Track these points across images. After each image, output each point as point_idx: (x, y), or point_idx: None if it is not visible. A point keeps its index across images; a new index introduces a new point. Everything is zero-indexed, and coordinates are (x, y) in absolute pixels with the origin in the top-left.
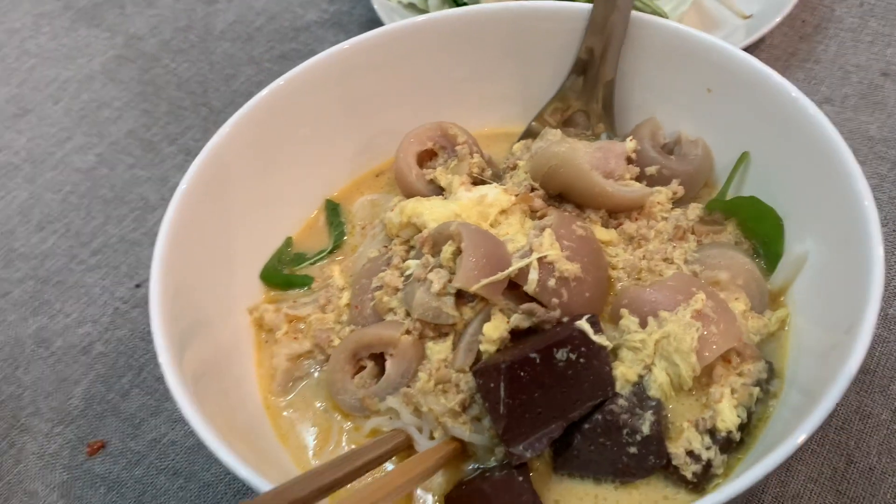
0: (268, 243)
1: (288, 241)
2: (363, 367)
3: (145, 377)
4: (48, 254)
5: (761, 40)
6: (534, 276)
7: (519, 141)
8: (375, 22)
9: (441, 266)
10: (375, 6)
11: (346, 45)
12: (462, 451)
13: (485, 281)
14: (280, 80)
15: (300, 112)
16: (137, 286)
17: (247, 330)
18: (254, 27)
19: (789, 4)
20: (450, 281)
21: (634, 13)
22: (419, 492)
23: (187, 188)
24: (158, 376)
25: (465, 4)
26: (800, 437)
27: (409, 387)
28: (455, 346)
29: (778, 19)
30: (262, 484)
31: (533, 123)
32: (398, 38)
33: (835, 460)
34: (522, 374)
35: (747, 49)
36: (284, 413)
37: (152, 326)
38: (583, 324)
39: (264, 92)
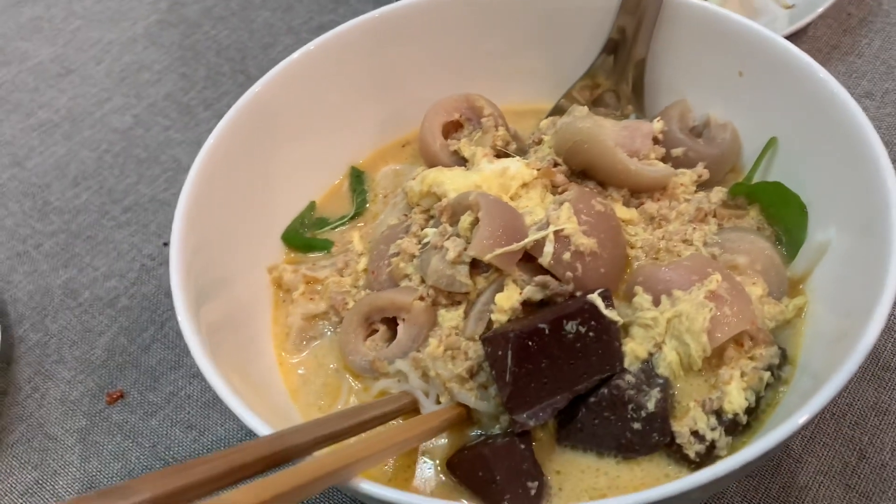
0: (292, 206)
1: (311, 206)
2: (375, 331)
3: (167, 332)
4: (81, 209)
5: (803, 31)
6: (549, 248)
7: (547, 118)
8: None
9: (458, 235)
10: None
11: (376, 13)
12: (467, 417)
13: (499, 251)
14: (310, 45)
15: (329, 78)
16: (165, 244)
17: (266, 289)
18: None
19: None
20: (465, 249)
21: None
22: (423, 457)
23: (214, 144)
24: (179, 332)
25: None
26: (801, 418)
27: (418, 352)
28: (467, 314)
29: (821, 10)
30: (265, 429)
31: (562, 100)
32: (430, 9)
33: (846, 455)
34: (530, 343)
35: (788, 39)
36: (297, 371)
37: (171, 279)
38: (594, 297)
39: (295, 55)
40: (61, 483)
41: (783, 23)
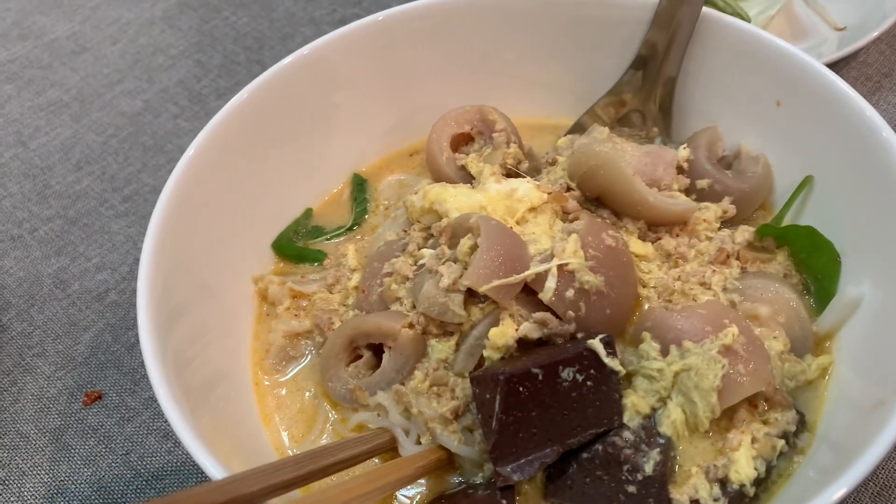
0: (286, 212)
1: (307, 213)
2: (360, 356)
3: None
4: (81, 195)
5: (854, 56)
6: (551, 283)
7: (566, 135)
8: None
9: (456, 260)
10: None
11: (392, 11)
12: (448, 461)
13: (496, 282)
14: (318, 42)
15: (336, 78)
16: None
17: (250, 300)
18: None
19: (889, 20)
20: (461, 277)
21: (706, 10)
22: (400, 498)
23: (202, 143)
24: None
25: None
26: (834, 497)
27: (402, 384)
28: (458, 346)
29: (875, 34)
30: (218, 472)
31: (584, 117)
32: (448, 11)
33: None
34: (521, 388)
35: (836, 63)
36: (273, 392)
37: (138, 290)
38: (595, 343)
39: (303, 51)
40: (28, 486)
41: (832, 46)
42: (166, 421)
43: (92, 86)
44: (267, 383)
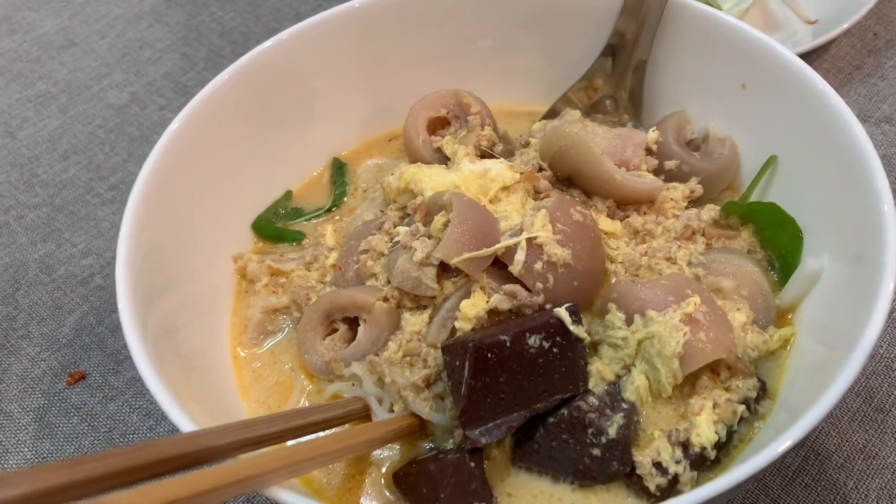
0: (266, 194)
1: (287, 195)
2: (336, 330)
3: None
4: (67, 183)
5: (825, 49)
6: (520, 256)
7: (541, 120)
8: None
9: (430, 236)
10: None
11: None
12: (420, 428)
13: (467, 255)
14: (297, 27)
15: (315, 64)
16: None
17: (230, 278)
18: None
19: (859, 13)
20: (434, 251)
21: None
22: (372, 468)
23: (180, 126)
24: None
25: None
26: (779, 448)
27: (376, 355)
28: (432, 319)
29: (846, 25)
30: (188, 425)
31: (558, 103)
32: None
33: (828, 499)
34: (490, 355)
35: (809, 55)
36: (251, 366)
37: (117, 262)
38: (561, 311)
39: (282, 35)
40: (12, 462)
41: (805, 38)
42: (148, 400)
43: (80, 79)
44: (244, 356)
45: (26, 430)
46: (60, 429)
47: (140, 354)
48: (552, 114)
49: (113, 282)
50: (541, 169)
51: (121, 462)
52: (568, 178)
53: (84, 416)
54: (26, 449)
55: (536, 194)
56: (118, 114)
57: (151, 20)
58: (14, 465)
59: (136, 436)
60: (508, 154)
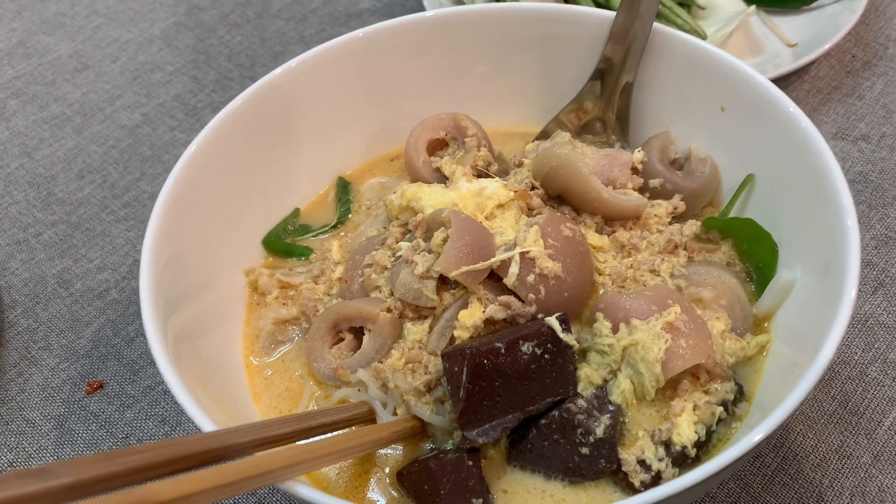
0: (276, 212)
1: (295, 212)
2: (342, 339)
3: None
4: (83, 201)
5: (806, 71)
6: (514, 269)
7: (534, 141)
8: None
9: (430, 251)
10: (425, 2)
11: (370, 28)
12: (422, 430)
13: (465, 268)
14: (305, 55)
15: (321, 89)
16: None
17: (242, 291)
18: (309, 9)
19: (837, 36)
20: (433, 264)
21: (657, 25)
22: (377, 468)
23: (197, 149)
24: None
25: None
26: (753, 440)
27: (380, 362)
28: (432, 328)
29: (824, 48)
30: (208, 425)
31: (550, 125)
32: (425, 27)
33: (805, 496)
34: (486, 361)
35: (790, 78)
36: (263, 373)
37: (141, 273)
38: (552, 321)
39: (291, 63)
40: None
41: (786, 61)
42: (163, 407)
43: (93, 101)
44: (257, 364)
45: (48, 437)
46: (80, 435)
47: (162, 358)
48: (544, 135)
49: (128, 296)
50: (533, 187)
51: (154, 456)
52: (559, 195)
53: (102, 423)
54: (48, 454)
55: (529, 211)
56: (130, 134)
57: (161, 44)
58: None
59: (152, 441)
60: (503, 173)
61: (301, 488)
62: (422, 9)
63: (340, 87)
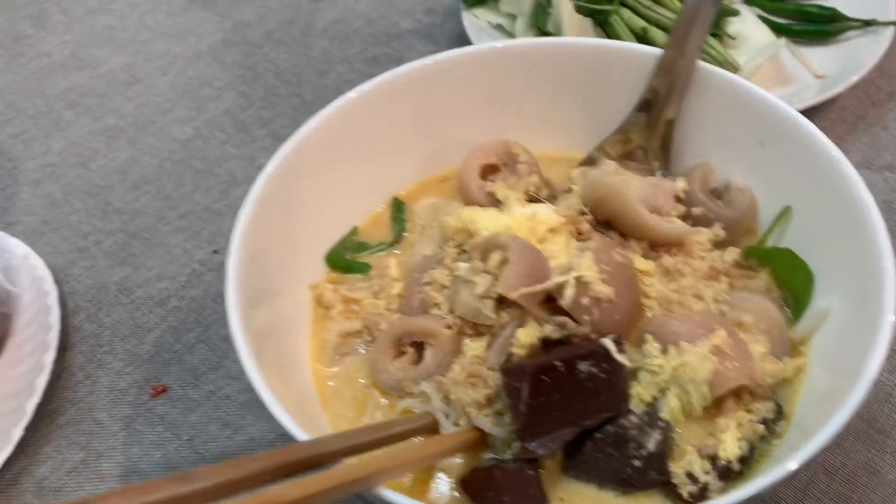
0: (336, 229)
1: (354, 230)
2: (404, 353)
3: (210, 335)
4: (139, 212)
5: (832, 101)
6: (570, 292)
7: (579, 167)
8: (463, 37)
9: (488, 272)
10: (465, 24)
11: (429, 60)
12: (482, 440)
13: (524, 290)
14: (367, 85)
15: (380, 115)
16: (215, 252)
17: (307, 304)
18: (351, 28)
19: (864, 69)
20: (492, 286)
21: (701, 62)
22: (439, 474)
23: (273, 170)
24: (222, 336)
25: (548, 33)
26: (791, 466)
27: (442, 376)
28: (489, 345)
29: (850, 81)
30: (302, 434)
31: (594, 152)
32: (479, 60)
33: None
34: (546, 378)
35: (817, 108)
36: (329, 382)
37: (227, 284)
38: (607, 342)
39: (352, 94)
40: (105, 465)
41: (813, 92)
42: (224, 411)
43: (145, 113)
44: (328, 373)
45: (116, 437)
46: (147, 436)
47: (252, 367)
48: (589, 161)
49: (187, 304)
50: (582, 213)
51: (272, 462)
52: (606, 221)
53: (168, 426)
54: (117, 453)
55: (579, 236)
56: (183, 147)
57: (210, 59)
58: (107, 469)
59: (215, 443)
60: (552, 198)
61: (390, 494)
62: (461, 29)
63: (397, 114)
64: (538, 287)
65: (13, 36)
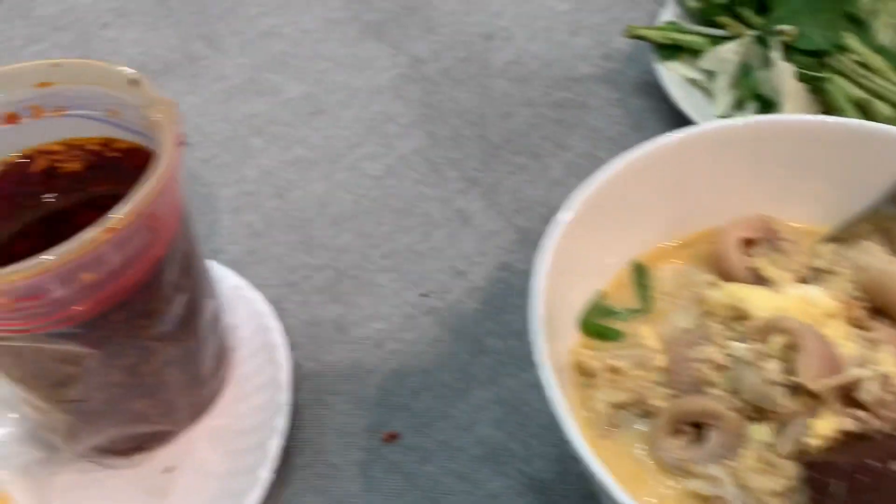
0: (583, 292)
1: (601, 294)
2: (680, 431)
3: (432, 382)
4: (344, 249)
5: None
6: (874, 387)
7: (823, 242)
8: (648, 85)
9: (772, 356)
10: (663, 76)
11: (675, 139)
12: None
13: (827, 381)
14: (628, 155)
15: (631, 181)
16: (423, 295)
17: (567, 369)
18: (528, 69)
19: None
20: (783, 372)
21: None
22: None
23: (568, 222)
24: (444, 383)
25: (760, 97)
26: None
27: (731, 461)
28: (777, 432)
29: None
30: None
31: (843, 230)
32: (721, 137)
33: None
34: (866, 479)
35: None
36: (603, 455)
37: (533, 340)
38: None
39: (619, 163)
40: None
41: None
42: (459, 463)
43: (334, 146)
44: (596, 445)
45: (353, 482)
46: (385, 483)
47: (570, 424)
48: (834, 238)
49: (405, 347)
50: (855, 297)
51: None
52: (876, 308)
53: (405, 475)
54: (357, 499)
55: (854, 322)
56: (377, 185)
57: (391, 95)
58: None
59: (454, 497)
60: (812, 280)
61: None
62: (645, 77)
63: (645, 182)
64: (839, 379)
65: (189, 56)
